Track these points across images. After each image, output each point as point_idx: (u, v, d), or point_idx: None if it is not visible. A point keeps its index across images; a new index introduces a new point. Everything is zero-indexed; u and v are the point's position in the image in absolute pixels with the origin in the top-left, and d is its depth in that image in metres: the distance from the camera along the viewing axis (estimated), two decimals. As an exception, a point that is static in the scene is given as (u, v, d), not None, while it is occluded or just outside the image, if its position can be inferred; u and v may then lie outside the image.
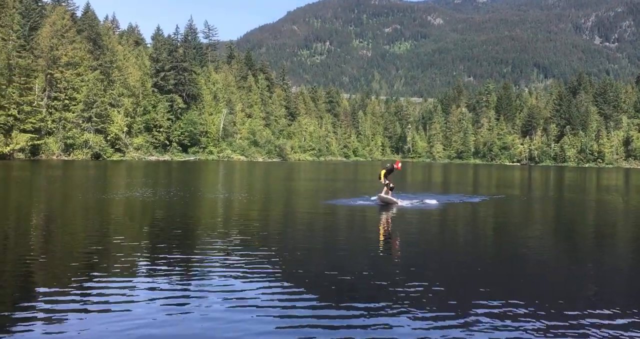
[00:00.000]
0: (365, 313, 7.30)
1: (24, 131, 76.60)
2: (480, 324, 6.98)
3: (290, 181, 43.04)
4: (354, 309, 7.42)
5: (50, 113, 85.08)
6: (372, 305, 7.61)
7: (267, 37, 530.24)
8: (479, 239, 15.12)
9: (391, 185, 21.97)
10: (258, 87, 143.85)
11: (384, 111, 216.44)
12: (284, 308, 7.40)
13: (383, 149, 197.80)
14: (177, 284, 8.58)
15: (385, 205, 21.50)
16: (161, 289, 8.16)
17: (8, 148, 72.92)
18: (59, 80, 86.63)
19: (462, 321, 7.12)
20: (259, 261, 10.38)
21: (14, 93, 76.35)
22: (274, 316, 7.04)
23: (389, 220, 18.26)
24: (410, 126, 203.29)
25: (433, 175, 65.69)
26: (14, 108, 75.97)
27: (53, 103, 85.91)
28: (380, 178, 22.45)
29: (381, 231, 15.96)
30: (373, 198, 22.80)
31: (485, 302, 7.91)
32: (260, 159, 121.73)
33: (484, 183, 49.15)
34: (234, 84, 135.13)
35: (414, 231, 15.87)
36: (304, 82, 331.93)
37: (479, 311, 7.52)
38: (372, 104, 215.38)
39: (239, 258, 10.64)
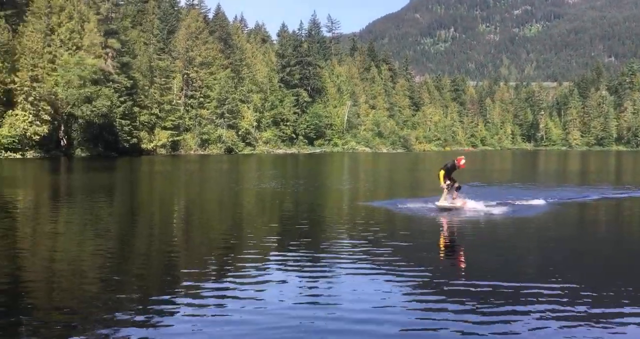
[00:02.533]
0: (517, 318, 6.88)
1: (165, 128, 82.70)
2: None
3: (415, 172, 42.37)
4: (496, 314, 7.04)
5: (187, 111, 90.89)
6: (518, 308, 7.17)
7: (390, 27, 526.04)
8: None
9: (456, 184, 17.10)
10: (381, 78, 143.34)
11: (513, 97, 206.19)
12: (412, 310, 7.18)
13: (513, 138, 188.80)
14: (307, 277, 8.65)
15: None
16: (291, 282, 8.27)
17: (152, 144, 79.23)
18: (194, 80, 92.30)
19: (613, 325, 6.48)
20: (385, 255, 10.20)
21: (155, 93, 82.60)
22: (404, 319, 6.85)
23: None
24: (543, 112, 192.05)
25: (569, 163, 61.53)
26: (156, 107, 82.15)
27: (189, 101, 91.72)
28: (439, 179, 16.90)
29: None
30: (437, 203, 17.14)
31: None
32: (385, 150, 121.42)
33: (629, 172, 45.13)
34: (357, 76, 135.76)
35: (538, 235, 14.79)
36: (427, 71, 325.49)
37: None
38: (500, 90, 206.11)
39: (365, 255, 10.53)
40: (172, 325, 6.15)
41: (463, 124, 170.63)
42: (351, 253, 10.15)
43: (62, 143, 67.82)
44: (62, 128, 67.75)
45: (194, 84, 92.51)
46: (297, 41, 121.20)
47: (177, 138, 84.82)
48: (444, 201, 16.77)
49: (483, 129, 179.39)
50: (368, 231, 12.48)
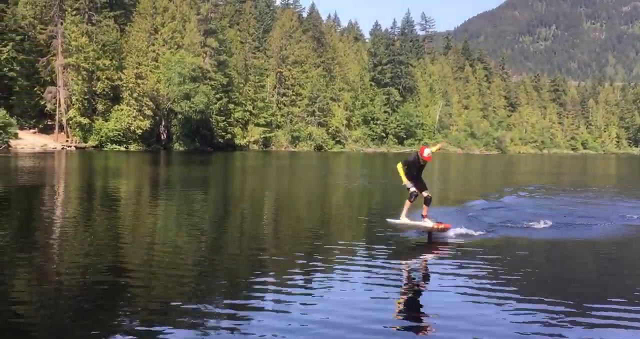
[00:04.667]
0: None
1: (258, 125, 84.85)
2: None
3: (509, 174, 40.76)
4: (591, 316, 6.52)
5: (280, 108, 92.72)
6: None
7: (485, 25, 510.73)
8: None
9: (412, 189, 11.17)
10: (475, 78, 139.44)
11: (619, 98, 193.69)
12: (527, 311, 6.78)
13: (618, 141, 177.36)
14: (393, 274, 8.45)
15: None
16: (376, 281, 8.09)
17: (245, 140, 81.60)
18: (287, 78, 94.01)
19: None
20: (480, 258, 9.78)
21: (249, 91, 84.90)
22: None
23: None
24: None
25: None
26: (249, 104, 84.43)
27: (282, 99, 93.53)
28: (400, 175, 11.38)
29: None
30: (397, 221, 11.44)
31: None
32: (477, 152, 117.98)
33: None
34: (451, 75, 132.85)
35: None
36: (525, 70, 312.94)
37: None
38: (605, 91, 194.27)
39: (457, 261, 10.16)
40: (261, 320, 6.16)
41: (562, 126, 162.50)
42: (439, 257, 9.82)
43: (162, 137, 71.24)
44: (163, 123, 71.14)
45: (286, 82, 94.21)
46: (390, 40, 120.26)
47: (269, 135, 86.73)
48: (404, 217, 11.14)
49: (585, 132, 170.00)
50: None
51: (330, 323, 6.03)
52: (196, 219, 13.60)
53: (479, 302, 6.94)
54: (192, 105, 68.28)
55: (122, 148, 64.48)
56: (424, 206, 11.29)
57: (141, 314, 6.15)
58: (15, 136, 57.63)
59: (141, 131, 66.44)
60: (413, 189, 11.09)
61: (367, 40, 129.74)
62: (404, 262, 9.25)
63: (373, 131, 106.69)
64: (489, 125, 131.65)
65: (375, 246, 10.32)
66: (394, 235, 11.39)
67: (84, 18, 66.43)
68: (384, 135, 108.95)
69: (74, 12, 65.21)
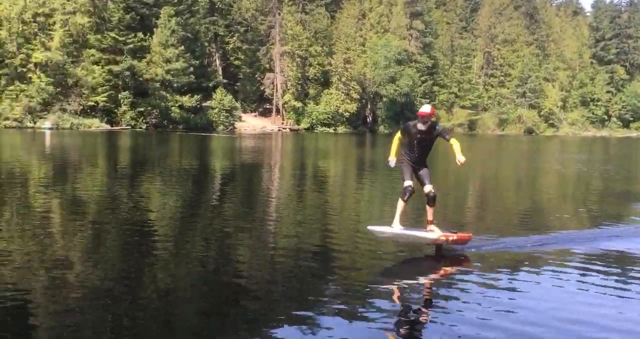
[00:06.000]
0: None
1: (463, 107, 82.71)
2: None
3: None
4: None
5: (487, 90, 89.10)
6: None
7: None
8: None
9: (405, 183, 7.53)
10: None
11: None
12: None
13: None
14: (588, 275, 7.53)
15: None
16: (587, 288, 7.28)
17: (449, 123, 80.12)
18: (495, 58, 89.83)
19: None
20: None
21: (455, 72, 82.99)
22: None
23: None
24: None
25: None
26: (455, 86, 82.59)
27: (489, 80, 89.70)
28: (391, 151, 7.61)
29: None
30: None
31: None
32: None
33: None
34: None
35: None
36: None
37: None
38: None
39: None
40: (515, 312, 5.90)
41: None
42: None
43: (367, 120, 73.31)
44: (369, 106, 73.11)
45: (494, 62, 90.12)
46: (616, 11, 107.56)
47: (475, 117, 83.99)
48: (396, 224, 7.53)
49: None
50: None
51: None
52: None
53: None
54: (397, 88, 68.98)
55: (331, 130, 67.74)
56: (427, 207, 7.63)
57: (344, 297, 6.27)
58: (239, 118, 64.14)
59: (348, 114, 69.04)
60: (407, 182, 7.44)
61: (587, 14, 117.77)
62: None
63: (593, 113, 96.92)
64: None
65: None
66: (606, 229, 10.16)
67: (298, 8, 70.78)
68: (606, 117, 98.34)
69: (290, 3, 69.78)
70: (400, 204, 7.50)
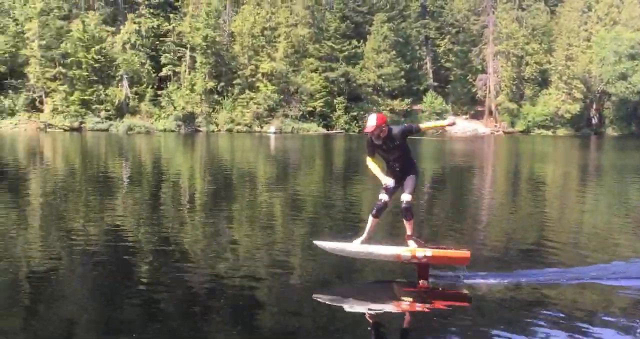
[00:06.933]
0: None
1: None
2: None
3: None
4: None
5: None
6: None
7: None
8: None
9: (381, 194, 6.42)
10: None
11: None
12: None
13: None
14: None
15: None
16: None
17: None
18: None
19: None
20: None
21: None
22: None
23: None
24: None
25: None
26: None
27: None
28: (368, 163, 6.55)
29: None
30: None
31: None
32: None
33: None
34: None
35: None
36: None
37: None
38: None
39: None
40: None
41: None
42: None
43: (592, 121, 67.13)
44: (594, 106, 66.87)
45: None
46: None
47: None
48: (365, 238, 6.48)
49: None
50: None
51: None
52: (627, 210, 12.18)
53: None
54: (629, 85, 61.85)
55: (549, 133, 63.30)
56: (404, 221, 6.42)
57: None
58: (449, 121, 63.18)
59: (570, 115, 63.83)
60: (381, 195, 6.42)
61: None
62: None
63: None
64: None
65: None
66: None
67: (514, 4, 67.46)
68: None
69: (505, 0, 66.81)
70: (370, 219, 6.49)
